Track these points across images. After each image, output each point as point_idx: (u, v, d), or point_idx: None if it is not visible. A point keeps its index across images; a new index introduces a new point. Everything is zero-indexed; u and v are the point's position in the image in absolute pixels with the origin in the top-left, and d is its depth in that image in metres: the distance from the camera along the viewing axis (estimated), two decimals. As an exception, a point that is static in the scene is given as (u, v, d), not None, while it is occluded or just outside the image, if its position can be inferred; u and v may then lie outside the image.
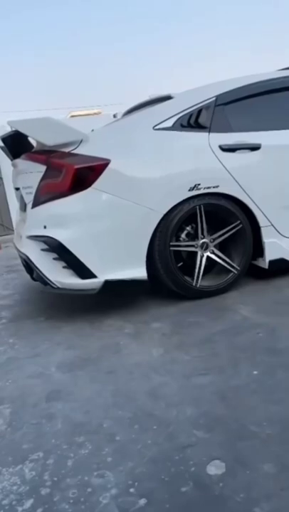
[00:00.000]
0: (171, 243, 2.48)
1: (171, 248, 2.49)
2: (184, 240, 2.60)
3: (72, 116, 7.81)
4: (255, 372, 1.73)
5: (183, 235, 2.60)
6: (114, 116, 6.97)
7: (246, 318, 2.28)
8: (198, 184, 2.45)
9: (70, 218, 2.34)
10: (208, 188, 2.47)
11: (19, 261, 3.36)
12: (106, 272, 2.38)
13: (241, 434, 1.37)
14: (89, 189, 2.31)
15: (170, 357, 1.97)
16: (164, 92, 2.95)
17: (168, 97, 2.77)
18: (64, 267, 2.40)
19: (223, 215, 2.59)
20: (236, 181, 2.51)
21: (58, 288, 2.44)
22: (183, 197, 2.44)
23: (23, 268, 2.97)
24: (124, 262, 2.40)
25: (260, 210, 2.59)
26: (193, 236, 2.62)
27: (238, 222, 2.58)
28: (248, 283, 2.77)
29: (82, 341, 2.27)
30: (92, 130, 2.99)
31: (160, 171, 2.42)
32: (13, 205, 6.18)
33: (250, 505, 1.12)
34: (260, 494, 1.14)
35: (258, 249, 2.68)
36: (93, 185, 2.31)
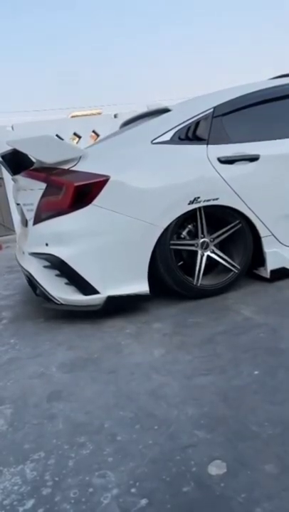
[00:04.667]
0: (171, 241, 2.49)
1: (172, 247, 2.49)
2: (185, 238, 2.60)
3: (73, 116, 7.82)
4: (256, 373, 1.73)
5: (184, 233, 2.61)
6: (115, 116, 6.97)
7: (247, 319, 2.28)
8: (198, 197, 2.46)
9: (71, 235, 2.36)
10: (208, 200, 2.48)
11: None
12: (108, 287, 2.40)
13: (242, 434, 1.37)
14: (89, 206, 2.33)
15: (171, 357, 1.97)
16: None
17: (165, 110, 2.77)
18: (67, 284, 2.42)
19: (222, 215, 2.60)
20: (236, 193, 2.52)
21: (61, 304, 2.46)
22: (183, 210, 2.45)
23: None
24: (126, 278, 2.42)
25: (260, 220, 2.60)
26: (193, 235, 2.63)
27: (237, 221, 2.58)
28: (248, 283, 2.78)
29: (84, 342, 2.28)
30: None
31: (159, 185, 2.43)
32: (14, 205, 6.19)
33: (252, 505, 1.12)
34: (261, 495, 1.14)
35: (260, 259, 2.69)
36: (93, 202, 2.32)
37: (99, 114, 7.80)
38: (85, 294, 2.40)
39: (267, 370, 1.74)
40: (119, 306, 2.53)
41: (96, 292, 2.39)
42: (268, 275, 2.69)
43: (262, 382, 1.65)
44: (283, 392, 1.57)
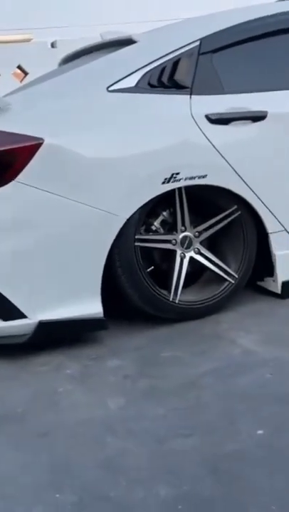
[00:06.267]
0: (137, 237, 2.50)
1: (138, 244, 2.51)
2: (158, 232, 2.62)
3: (-12, 42, 7.72)
4: (260, 432, 1.76)
5: (156, 223, 2.63)
6: (53, 45, 6.94)
7: (248, 352, 2.32)
8: (177, 174, 2.49)
9: None
10: (192, 178, 2.52)
11: None
12: (40, 309, 2.38)
13: (239, 523, 1.40)
14: (10, 184, 2.31)
15: (134, 410, 1.98)
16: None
17: (128, 41, 2.78)
18: None
19: (212, 200, 2.64)
20: (232, 167, 2.57)
21: None
22: (154, 193, 2.48)
23: None
24: (67, 294, 2.42)
25: (267, 208, 2.65)
26: (170, 227, 2.65)
27: (234, 208, 2.63)
28: (250, 300, 2.83)
29: (0, 389, 2.25)
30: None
31: (119, 155, 2.45)
32: None
33: None
34: None
35: (267, 265, 2.74)
36: (17, 178, 2.31)
37: (28, 40, 7.75)
38: (5, 318, 2.38)
39: (275, 428, 1.77)
40: (57, 336, 2.52)
41: (21, 316, 2.37)
42: (278, 289, 2.74)
43: (268, 446, 1.68)
44: (299, 461, 1.61)
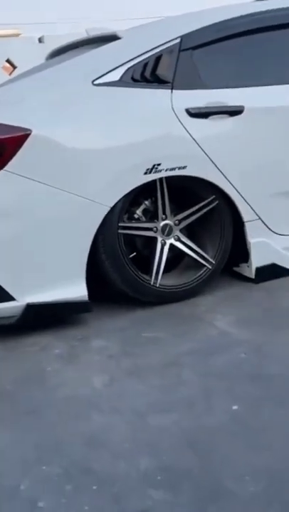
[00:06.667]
0: (120, 224, 2.49)
1: (121, 231, 2.50)
2: (140, 220, 2.62)
3: (-23, 37, 7.60)
4: (235, 408, 1.77)
5: (138, 212, 2.63)
6: (40, 40, 6.85)
7: (225, 333, 2.33)
8: (158, 164, 2.48)
9: None
10: (172, 169, 2.51)
11: None
12: (28, 292, 2.38)
13: (215, 493, 1.41)
14: None
15: (118, 388, 1.98)
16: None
17: (113, 37, 2.75)
18: None
19: (192, 190, 2.64)
20: (210, 159, 2.56)
21: None
22: (137, 182, 2.47)
23: None
24: (54, 278, 2.42)
25: (243, 198, 2.65)
26: (152, 215, 2.65)
27: (212, 198, 2.63)
28: (226, 285, 2.84)
29: (-9, 368, 2.25)
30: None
31: (103, 146, 2.44)
32: None
33: None
34: None
35: (242, 252, 2.76)
36: (6, 167, 2.29)
37: (16, 35, 7.64)
38: None
39: (249, 404, 1.79)
40: (45, 318, 2.51)
41: (10, 298, 2.36)
42: (252, 274, 2.76)
43: (242, 422, 1.70)
44: (270, 435, 1.62)
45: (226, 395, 1.85)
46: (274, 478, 1.44)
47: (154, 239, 2.64)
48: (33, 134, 2.30)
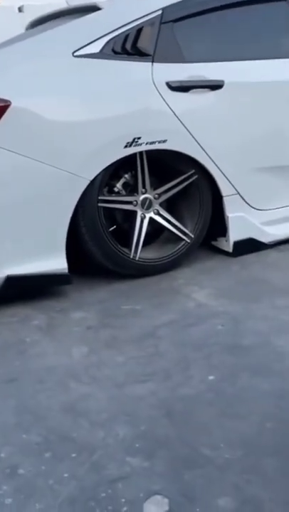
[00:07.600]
0: (100, 197, 2.48)
1: (101, 205, 2.49)
2: (120, 193, 2.60)
3: None
4: (211, 378, 1.80)
5: (118, 185, 2.61)
6: (20, 10, 6.66)
7: (201, 305, 2.35)
8: (138, 138, 2.45)
9: None
10: (152, 143, 2.49)
11: None
12: (8, 264, 2.36)
13: (191, 460, 1.43)
14: None
15: (97, 358, 1.99)
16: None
17: (93, 7, 2.69)
18: None
19: (171, 164, 2.62)
20: (190, 133, 2.54)
21: None
22: (117, 156, 2.44)
23: None
24: (34, 250, 2.40)
25: (222, 172, 2.65)
26: (131, 189, 2.63)
27: (192, 172, 2.62)
28: (204, 258, 2.85)
29: (-29, 338, 2.23)
30: None
31: (83, 118, 2.40)
32: None
33: None
34: (213, 537, 1.21)
35: (220, 226, 2.76)
36: None
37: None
38: None
39: (225, 374, 1.81)
40: (25, 290, 2.50)
41: None
42: (230, 248, 2.77)
43: (218, 391, 1.72)
44: (246, 404, 1.65)
45: (203, 366, 1.87)
46: (249, 445, 1.47)
47: (134, 212, 2.62)
48: (12, 105, 2.25)
